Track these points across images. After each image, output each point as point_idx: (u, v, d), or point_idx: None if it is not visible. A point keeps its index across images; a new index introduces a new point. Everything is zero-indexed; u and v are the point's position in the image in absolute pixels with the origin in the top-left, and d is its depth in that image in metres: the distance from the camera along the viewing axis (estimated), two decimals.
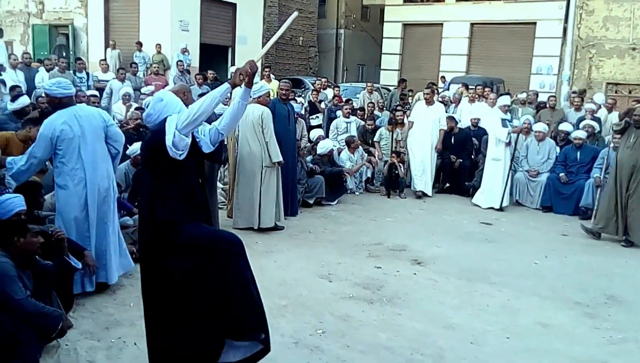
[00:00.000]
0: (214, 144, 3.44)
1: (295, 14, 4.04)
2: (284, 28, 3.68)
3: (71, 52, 17.92)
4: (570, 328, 4.70)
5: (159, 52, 15.67)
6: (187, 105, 5.80)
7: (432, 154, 9.44)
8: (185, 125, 3.17)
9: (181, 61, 14.61)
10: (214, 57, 17.68)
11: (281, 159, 6.88)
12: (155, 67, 13.63)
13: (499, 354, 4.15)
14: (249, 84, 3.27)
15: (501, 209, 8.68)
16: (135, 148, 6.61)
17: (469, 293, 5.28)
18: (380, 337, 4.33)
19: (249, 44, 18.35)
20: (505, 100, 9.24)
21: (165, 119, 3.26)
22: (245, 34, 18.52)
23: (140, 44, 15.68)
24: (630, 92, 17.74)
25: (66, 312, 3.96)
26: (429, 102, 9.43)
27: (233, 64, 17.03)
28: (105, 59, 14.42)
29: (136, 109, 8.37)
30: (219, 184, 7.64)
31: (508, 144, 8.72)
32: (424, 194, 9.33)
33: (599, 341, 4.47)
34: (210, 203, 6.04)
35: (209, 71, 13.88)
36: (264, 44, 19.41)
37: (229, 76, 14.54)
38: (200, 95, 8.80)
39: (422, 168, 9.39)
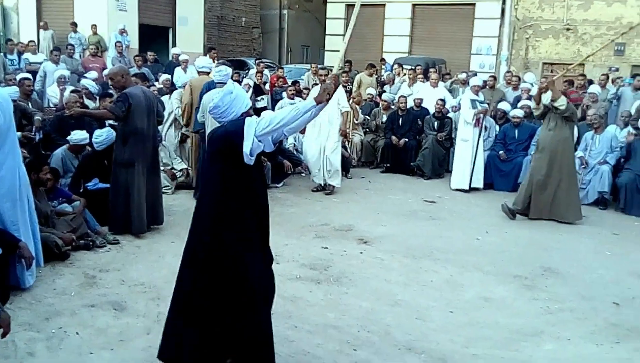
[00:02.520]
0: (274, 144, 3.42)
1: (359, 4, 3.97)
2: (354, 20, 3.68)
3: (1, 34, 17.01)
4: (510, 300, 4.87)
5: (95, 33, 15.07)
6: (125, 87, 5.74)
7: (335, 139, 8.19)
8: (264, 133, 3.14)
9: (119, 42, 14.11)
10: (154, 38, 17.15)
11: None
12: (92, 49, 13.15)
13: (442, 328, 4.25)
14: (329, 99, 3.29)
15: (470, 190, 8.73)
16: (79, 136, 6.41)
17: (414, 271, 5.39)
18: (328, 316, 4.36)
19: (190, 25, 17.90)
20: (476, 80, 9.18)
21: (242, 121, 3.18)
22: (185, 15, 18.03)
23: (74, 24, 15.02)
24: (565, 71, 18.35)
25: (2, 304, 3.80)
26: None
27: (174, 45, 16.58)
28: (35, 40, 13.77)
29: (72, 92, 8.04)
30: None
31: (476, 125, 8.75)
32: (324, 188, 8.28)
33: (537, 312, 4.65)
34: (152, 188, 5.97)
35: (149, 53, 13.49)
36: (205, 25, 19.22)
37: (170, 58, 14.19)
38: (137, 75, 8.62)
39: (318, 158, 8.20)
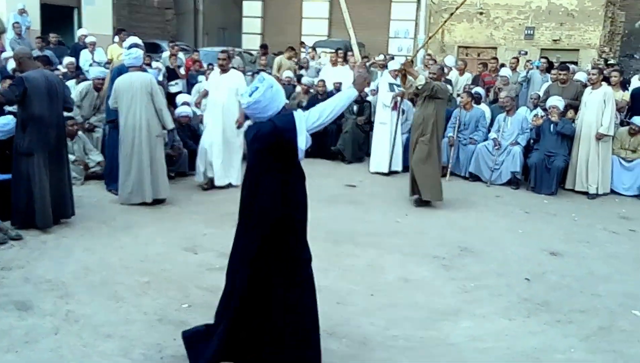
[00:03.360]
0: None
1: None
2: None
3: None
4: (429, 280, 4.95)
5: None
6: (24, 70, 5.34)
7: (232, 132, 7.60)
8: (315, 126, 3.11)
9: (18, 23, 13.15)
10: (58, 18, 16.17)
11: (174, 126, 6.77)
12: None
13: (364, 312, 4.26)
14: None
15: (389, 173, 8.76)
16: None
17: (335, 255, 5.37)
18: None
19: (97, 5, 17.01)
20: (394, 64, 9.14)
21: (291, 115, 3.05)
22: None
23: None
24: (479, 55, 19.02)
25: None
26: (224, 70, 7.60)
27: (80, 26, 15.71)
28: None
29: None
30: (71, 157, 7.03)
31: (394, 108, 8.76)
32: (212, 185, 7.54)
33: (455, 290, 4.75)
34: (58, 179, 5.61)
35: (52, 34, 12.67)
36: (114, 5, 18.31)
37: (76, 40, 13.43)
38: (39, 58, 8.06)
39: (211, 148, 7.49)
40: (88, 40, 11.60)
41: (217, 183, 7.46)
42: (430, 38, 13.64)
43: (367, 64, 12.45)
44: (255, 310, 3.17)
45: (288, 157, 3.08)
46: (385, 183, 8.47)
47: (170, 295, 4.38)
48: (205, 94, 7.94)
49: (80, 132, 7.52)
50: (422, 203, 7.15)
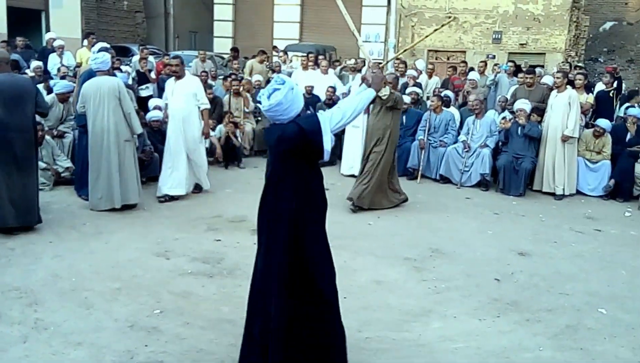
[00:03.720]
0: None
1: None
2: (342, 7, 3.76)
3: None
4: (401, 282, 5.00)
5: None
6: None
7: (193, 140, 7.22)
8: (337, 127, 3.14)
9: None
10: (25, 22, 15.92)
11: (142, 130, 6.67)
12: None
13: None
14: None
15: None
16: None
17: None
18: (222, 310, 4.26)
19: (66, 8, 16.78)
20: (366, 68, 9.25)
21: (315, 117, 3.07)
22: None
23: None
24: (448, 58, 19.27)
25: None
26: (178, 76, 7.15)
27: (48, 30, 15.45)
28: None
29: None
30: (42, 164, 6.90)
31: (366, 111, 8.77)
32: (172, 198, 7.11)
33: (426, 292, 4.81)
34: (21, 185, 5.50)
35: (19, 38, 12.43)
36: (83, 8, 18.07)
37: (44, 44, 13.19)
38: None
39: (172, 163, 7.11)
40: (56, 44, 11.40)
41: (175, 192, 7.12)
42: (408, 50, 13.83)
43: (339, 68, 12.57)
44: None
45: (313, 158, 3.13)
46: None
47: (142, 301, 4.34)
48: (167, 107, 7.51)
49: (48, 138, 7.40)
50: (357, 207, 7.08)
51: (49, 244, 5.38)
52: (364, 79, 3.46)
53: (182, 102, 7.08)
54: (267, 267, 3.20)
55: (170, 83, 7.29)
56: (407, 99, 9.51)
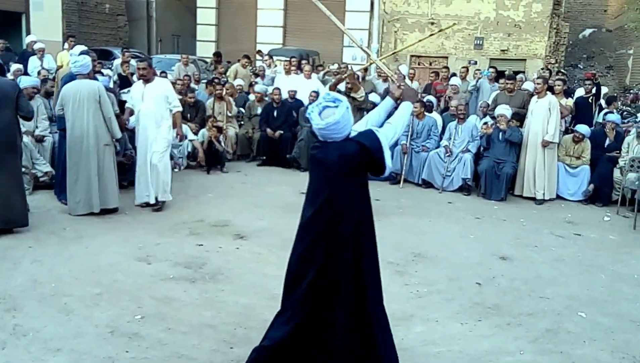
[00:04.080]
0: None
1: None
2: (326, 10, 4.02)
3: None
4: (384, 286, 4.94)
5: None
6: None
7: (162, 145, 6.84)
8: (391, 143, 3.20)
9: None
10: (5, 24, 15.72)
11: (122, 134, 6.67)
12: None
13: None
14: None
15: None
16: None
17: None
18: (204, 315, 4.23)
19: (46, 10, 16.60)
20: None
21: (374, 134, 3.09)
22: None
23: None
24: (430, 63, 19.40)
25: None
26: (147, 80, 6.80)
27: (28, 32, 15.29)
28: None
29: None
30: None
31: None
32: (150, 205, 6.85)
33: (409, 296, 4.83)
34: (7, 189, 5.44)
35: None
36: (64, 11, 17.90)
37: (24, 47, 13.06)
38: None
39: (142, 171, 6.83)
40: (36, 46, 11.28)
41: (161, 198, 6.90)
42: (393, 54, 13.92)
43: (322, 73, 12.59)
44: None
45: (364, 174, 3.18)
46: None
47: (123, 306, 4.30)
48: (131, 113, 7.26)
49: (27, 141, 7.29)
50: None
51: (29, 249, 5.31)
52: (392, 94, 3.52)
53: (153, 106, 6.76)
54: (330, 287, 3.27)
55: (139, 87, 6.90)
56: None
